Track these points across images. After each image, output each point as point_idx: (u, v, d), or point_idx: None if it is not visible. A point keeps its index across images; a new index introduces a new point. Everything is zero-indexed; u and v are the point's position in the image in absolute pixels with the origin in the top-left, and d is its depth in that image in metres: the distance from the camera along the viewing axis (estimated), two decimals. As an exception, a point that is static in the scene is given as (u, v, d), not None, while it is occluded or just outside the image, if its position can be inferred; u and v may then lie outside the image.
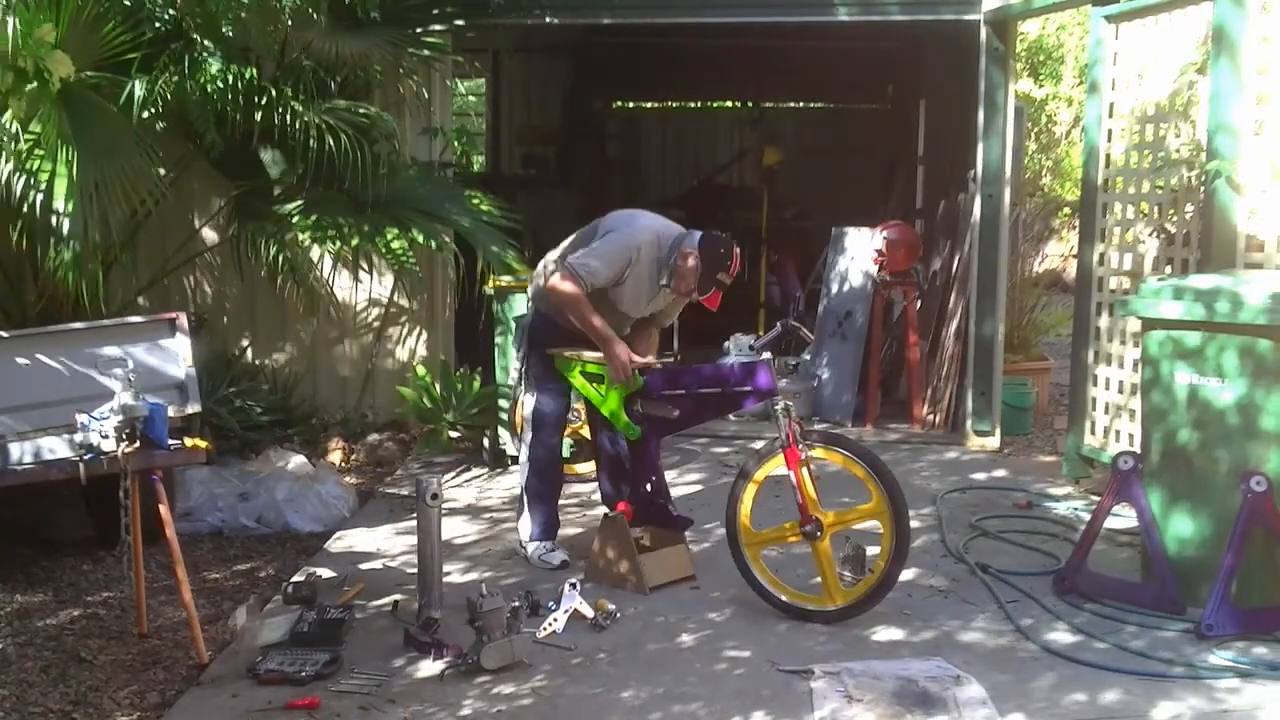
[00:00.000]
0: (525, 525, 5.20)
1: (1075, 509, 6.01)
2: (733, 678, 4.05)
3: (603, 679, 4.04)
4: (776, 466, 4.60)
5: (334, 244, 6.54)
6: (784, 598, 4.59)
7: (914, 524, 5.72)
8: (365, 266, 7.19)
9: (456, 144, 7.45)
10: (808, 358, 8.27)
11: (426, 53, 6.98)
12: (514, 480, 6.55)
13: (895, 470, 6.76)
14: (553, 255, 5.11)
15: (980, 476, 6.69)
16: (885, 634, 4.43)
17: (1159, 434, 4.74)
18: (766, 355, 4.76)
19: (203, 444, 4.32)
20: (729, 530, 4.65)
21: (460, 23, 7.22)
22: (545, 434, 5.12)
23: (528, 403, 5.14)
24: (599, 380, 4.99)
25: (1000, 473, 6.80)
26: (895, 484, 4.51)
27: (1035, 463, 7.12)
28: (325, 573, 5.03)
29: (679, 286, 4.88)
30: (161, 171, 6.15)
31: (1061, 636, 4.41)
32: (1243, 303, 4.48)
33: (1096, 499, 6.18)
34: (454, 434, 6.99)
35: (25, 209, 4.97)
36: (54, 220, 4.99)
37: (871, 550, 4.61)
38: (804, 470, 4.51)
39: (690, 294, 4.89)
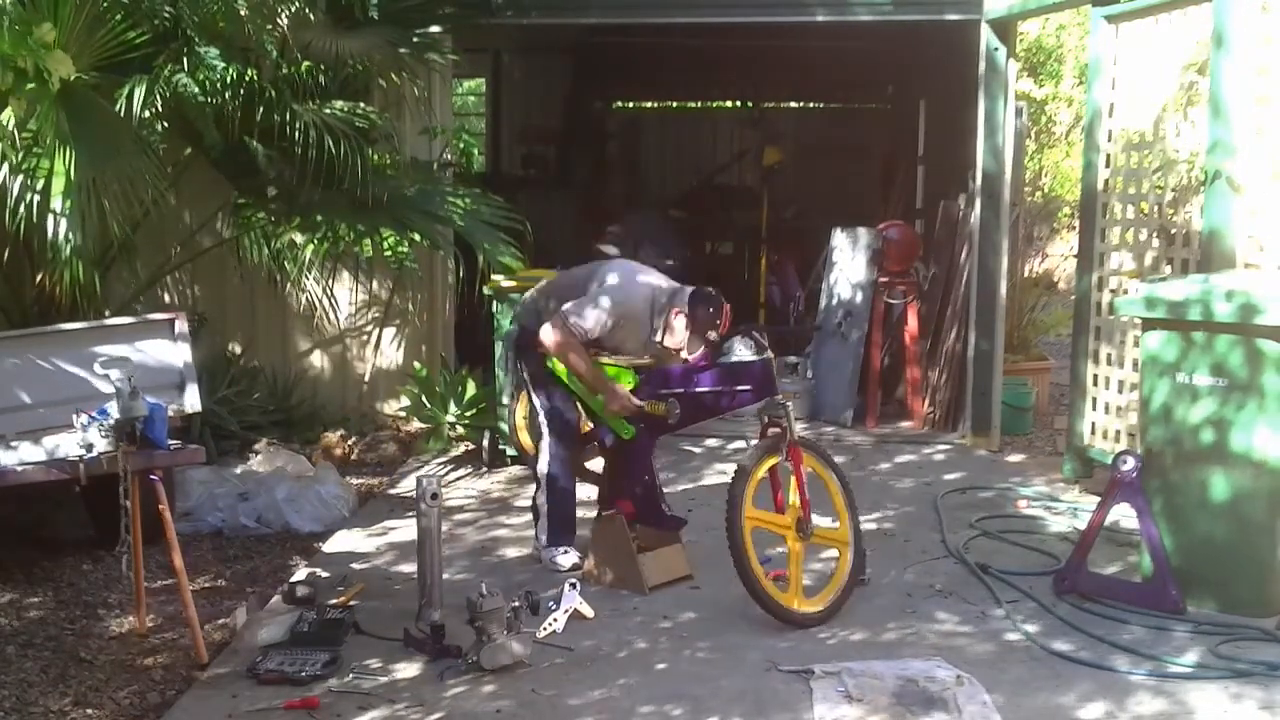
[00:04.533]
0: (544, 528, 5.15)
1: (1075, 508, 6.00)
2: (733, 678, 4.04)
3: (603, 679, 4.04)
4: (774, 461, 4.60)
5: (331, 244, 6.53)
6: (766, 592, 4.48)
7: (914, 524, 5.77)
8: (365, 266, 7.20)
9: (457, 143, 7.44)
10: (808, 357, 8.28)
11: (428, 54, 6.97)
12: (512, 479, 6.57)
13: (896, 470, 6.86)
14: (541, 289, 5.15)
15: (980, 476, 6.68)
16: (885, 634, 4.43)
17: (1155, 433, 4.77)
18: (768, 354, 4.76)
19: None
20: (731, 523, 4.45)
21: (460, 23, 7.22)
22: (565, 439, 5.07)
23: (540, 409, 5.09)
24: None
25: (1000, 473, 6.80)
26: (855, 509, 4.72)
27: (1035, 463, 7.12)
28: (323, 573, 5.03)
29: (668, 340, 4.87)
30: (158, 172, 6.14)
31: (1061, 636, 4.40)
32: (1212, 309, 4.53)
33: (1095, 499, 6.19)
34: (453, 434, 6.99)
35: (22, 209, 4.96)
36: (51, 221, 4.98)
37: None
38: (805, 468, 4.53)
39: (680, 350, 4.88)
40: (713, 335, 4.80)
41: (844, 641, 4.35)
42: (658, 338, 4.90)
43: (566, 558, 5.06)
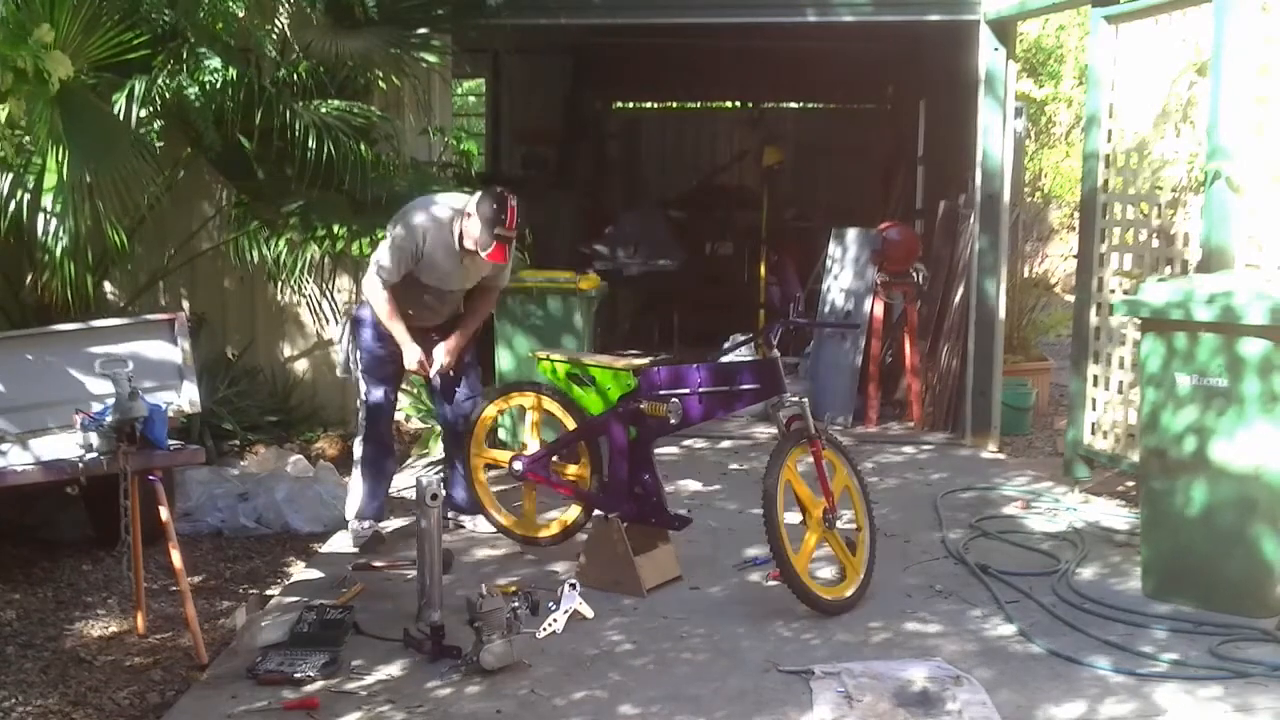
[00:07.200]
0: (355, 501, 5.39)
1: (1073, 509, 6.00)
2: (733, 677, 4.04)
3: (602, 680, 4.04)
4: (802, 453, 4.63)
5: (327, 244, 6.52)
6: (798, 574, 4.52)
7: (914, 524, 5.77)
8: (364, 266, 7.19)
9: (457, 143, 7.44)
10: (808, 357, 8.28)
11: (428, 57, 6.96)
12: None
13: (895, 471, 6.86)
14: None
15: (979, 477, 6.68)
16: (885, 634, 4.43)
17: (1151, 433, 4.79)
18: (775, 353, 4.76)
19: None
20: (767, 497, 4.47)
21: (458, 23, 7.21)
22: (379, 426, 5.39)
23: (363, 393, 5.35)
24: (586, 382, 5.01)
25: (999, 473, 6.80)
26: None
27: (1034, 463, 7.12)
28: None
29: (467, 243, 5.00)
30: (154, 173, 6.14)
31: (1061, 637, 4.40)
32: (1193, 311, 4.56)
33: (1094, 499, 6.19)
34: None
35: (14, 208, 4.97)
36: (41, 220, 4.98)
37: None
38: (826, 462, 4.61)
39: (482, 250, 4.95)
40: (500, 231, 4.88)
41: (843, 642, 4.35)
42: (458, 246, 5.03)
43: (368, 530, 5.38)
